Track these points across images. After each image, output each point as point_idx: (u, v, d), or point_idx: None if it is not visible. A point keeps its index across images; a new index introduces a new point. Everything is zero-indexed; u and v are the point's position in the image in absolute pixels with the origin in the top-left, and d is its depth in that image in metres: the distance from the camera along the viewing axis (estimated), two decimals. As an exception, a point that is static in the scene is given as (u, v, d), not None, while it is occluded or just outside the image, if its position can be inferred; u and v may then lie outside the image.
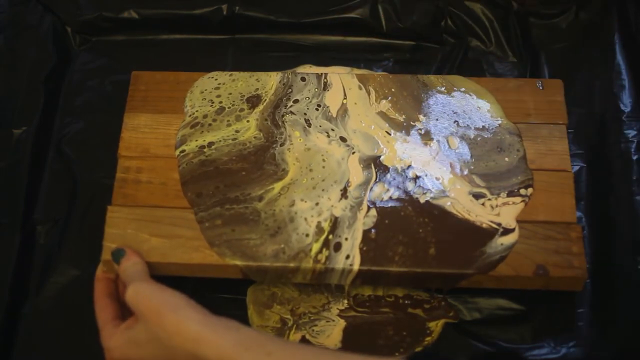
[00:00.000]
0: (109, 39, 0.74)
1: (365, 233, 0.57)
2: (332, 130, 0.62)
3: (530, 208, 0.58)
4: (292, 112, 0.63)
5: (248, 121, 0.63)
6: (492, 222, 0.57)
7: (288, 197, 0.58)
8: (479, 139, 0.62)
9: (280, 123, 0.63)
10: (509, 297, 0.59)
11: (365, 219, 0.57)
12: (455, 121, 0.63)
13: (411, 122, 0.63)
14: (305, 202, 0.58)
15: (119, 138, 0.62)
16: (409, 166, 0.60)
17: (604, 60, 0.69)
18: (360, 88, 0.65)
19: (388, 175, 0.60)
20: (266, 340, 0.46)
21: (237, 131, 0.62)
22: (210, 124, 0.63)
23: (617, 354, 0.57)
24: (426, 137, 0.62)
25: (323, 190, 0.59)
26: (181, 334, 0.46)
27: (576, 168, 0.64)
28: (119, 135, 0.62)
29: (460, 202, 0.58)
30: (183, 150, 0.61)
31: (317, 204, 0.58)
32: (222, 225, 0.57)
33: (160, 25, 0.74)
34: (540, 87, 0.64)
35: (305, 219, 0.57)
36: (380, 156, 0.61)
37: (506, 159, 0.60)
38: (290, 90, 0.65)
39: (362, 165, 0.60)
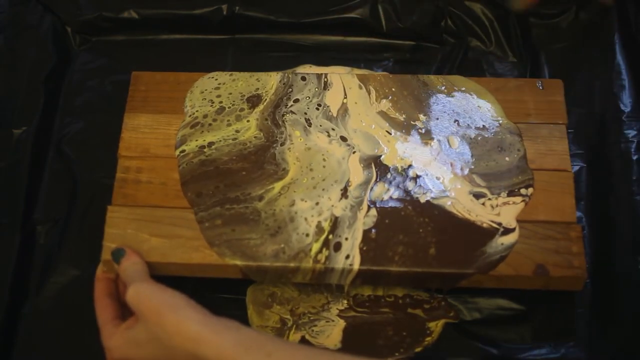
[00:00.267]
0: (109, 39, 0.74)
1: (366, 233, 0.57)
2: (333, 129, 0.62)
3: (531, 208, 0.58)
4: (292, 112, 0.63)
5: (248, 121, 0.63)
6: (492, 221, 0.57)
7: (288, 197, 0.58)
8: (479, 138, 0.62)
9: (280, 123, 0.63)
10: (509, 297, 0.59)
11: (366, 219, 0.57)
12: (456, 121, 0.63)
13: (411, 122, 0.63)
14: (306, 201, 0.58)
15: (119, 138, 0.62)
16: (410, 166, 0.60)
17: (604, 60, 0.69)
18: (360, 87, 0.65)
19: (388, 175, 0.60)
20: (266, 341, 0.46)
21: (237, 131, 0.62)
22: (210, 124, 0.63)
23: (617, 354, 0.57)
24: (426, 136, 0.62)
25: (323, 189, 0.59)
26: (181, 334, 0.46)
27: (576, 168, 0.64)
28: (119, 135, 0.62)
29: (461, 201, 0.58)
30: (183, 150, 0.61)
31: (317, 203, 0.58)
32: (222, 225, 0.57)
33: (160, 25, 0.74)
34: (540, 87, 0.64)
35: (306, 218, 0.57)
36: (380, 156, 0.61)
37: (507, 158, 0.60)
38: (290, 89, 0.65)
39: (362, 165, 0.60)
